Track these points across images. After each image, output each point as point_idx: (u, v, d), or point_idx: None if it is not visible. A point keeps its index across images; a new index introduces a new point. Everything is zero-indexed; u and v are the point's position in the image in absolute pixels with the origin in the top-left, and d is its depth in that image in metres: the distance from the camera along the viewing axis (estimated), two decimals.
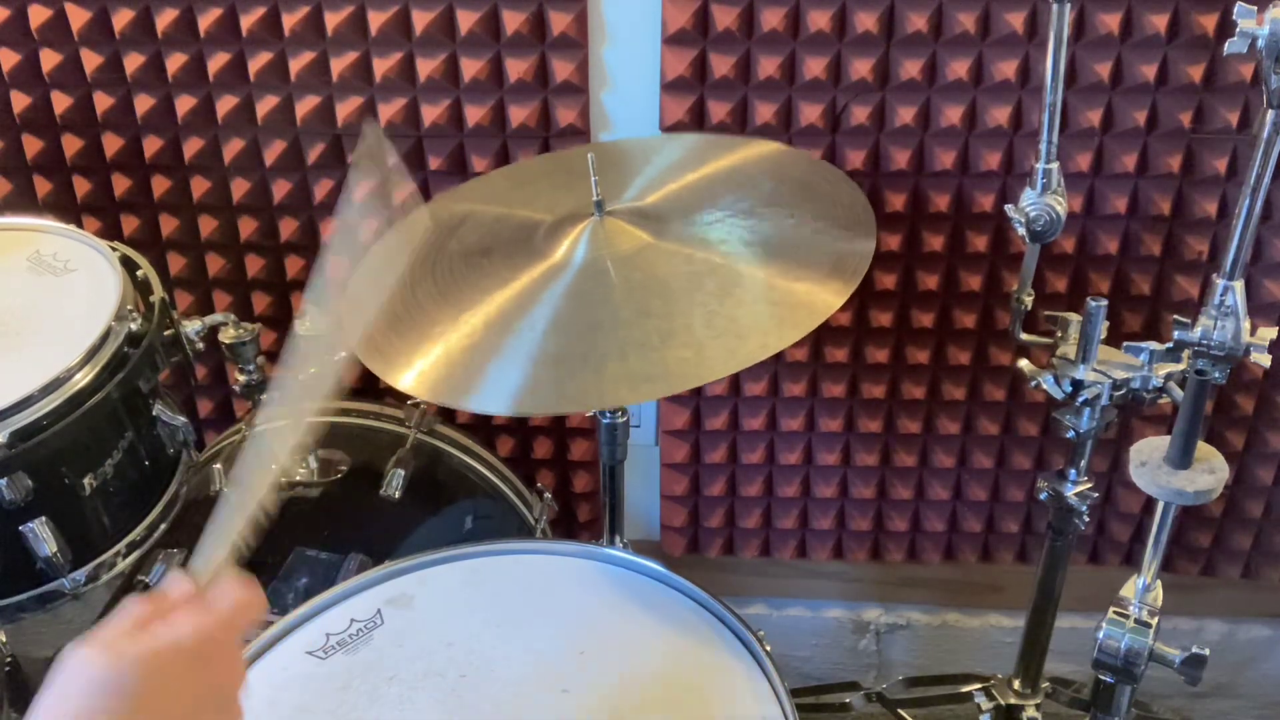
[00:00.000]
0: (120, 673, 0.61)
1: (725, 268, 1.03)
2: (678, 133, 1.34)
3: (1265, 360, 0.97)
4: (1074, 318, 1.12)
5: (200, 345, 1.21)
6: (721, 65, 1.30)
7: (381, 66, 1.33)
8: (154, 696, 0.62)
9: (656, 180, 1.18)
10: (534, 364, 0.97)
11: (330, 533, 1.26)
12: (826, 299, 0.99)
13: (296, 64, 1.34)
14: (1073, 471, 1.21)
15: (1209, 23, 1.23)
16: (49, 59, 1.36)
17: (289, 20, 1.32)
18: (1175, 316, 1.01)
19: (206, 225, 1.46)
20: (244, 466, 0.75)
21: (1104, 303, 1.08)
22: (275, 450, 0.76)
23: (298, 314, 1.34)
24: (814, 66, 1.29)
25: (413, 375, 0.99)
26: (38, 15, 1.34)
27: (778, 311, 0.99)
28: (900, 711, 1.55)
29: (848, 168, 1.35)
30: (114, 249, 1.18)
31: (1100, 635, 1.08)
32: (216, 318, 1.26)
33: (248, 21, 1.32)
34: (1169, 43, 1.25)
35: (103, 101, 1.39)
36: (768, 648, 1.00)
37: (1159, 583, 1.09)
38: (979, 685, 1.44)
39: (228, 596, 0.68)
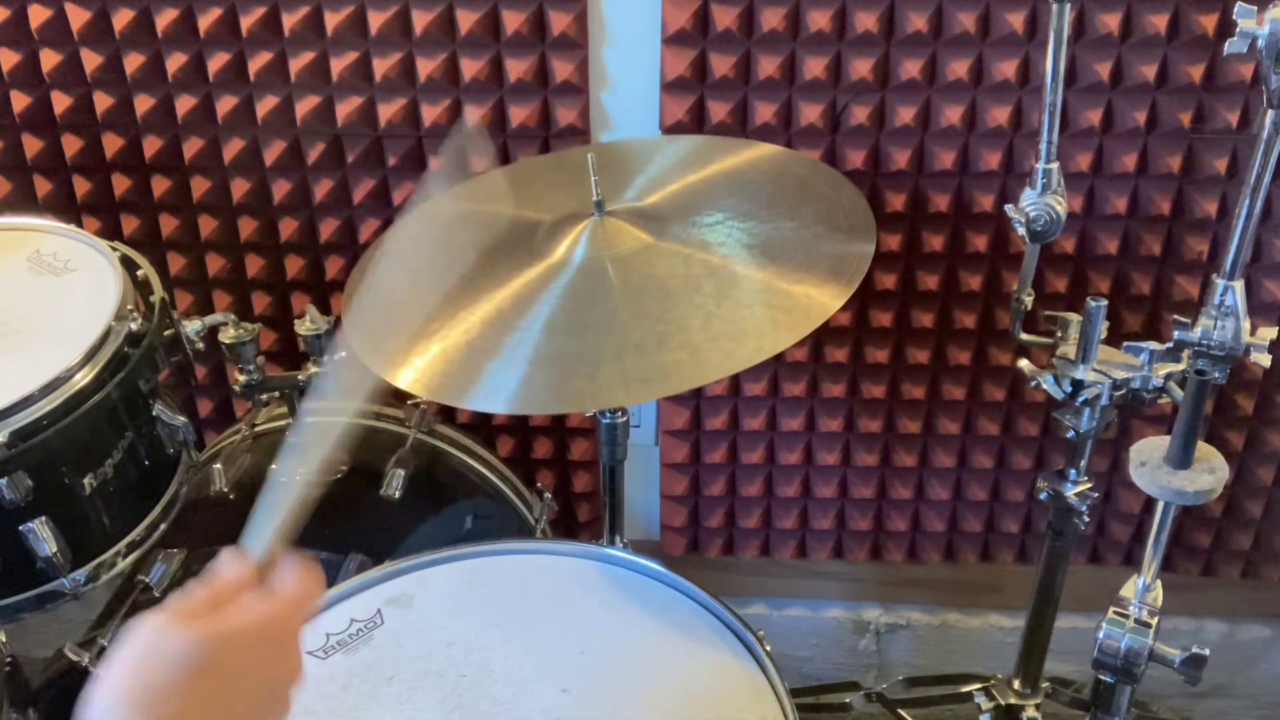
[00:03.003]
0: (195, 648, 0.60)
1: (724, 269, 1.03)
2: (678, 133, 1.34)
3: (1265, 360, 0.97)
4: (1074, 318, 1.12)
5: (200, 345, 1.21)
6: (721, 65, 1.30)
7: (381, 66, 1.33)
8: (219, 678, 0.61)
9: (656, 181, 1.18)
10: (532, 363, 0.97)
11: (330, 533, 1.26)
12: (824, 302, 0.99)
13: (296, 64, 1.34)
14: (1073, 471, 1.21)
15: (1209, 23, 1.23)
16: (49, 59, 1.36)
17: (289, 20, 1.32)
18: (1175, 316, 1.01)
19: (206, 225, 1.46)
20: (293, 447, 0.73)
21: (1104, 303, 1.08)
22: (324, 435, 0.74)
23: (298, 314, 1.34)
24: (814, 66, 1.29)
25: (411, 373, 0.99)
26: (38, 15, 1.34)
27: (775, 314, 0.99)
28: (900, 711, 1.55)
29: (848, 168, 1.35)
30: (114, 249, 1.18)
31: (1100, 635, 1.08)
32: (216, 318, 1.26)
33: (248, 21, 1.32)
34: (1169, 43, 1.25)
35: (103, 101, 1.39)
36: (768, 648, 1.00)
37: (1159, 583, 1.09)
38: (979, 685, 1.44)
39: (291, 581, 0.66)
